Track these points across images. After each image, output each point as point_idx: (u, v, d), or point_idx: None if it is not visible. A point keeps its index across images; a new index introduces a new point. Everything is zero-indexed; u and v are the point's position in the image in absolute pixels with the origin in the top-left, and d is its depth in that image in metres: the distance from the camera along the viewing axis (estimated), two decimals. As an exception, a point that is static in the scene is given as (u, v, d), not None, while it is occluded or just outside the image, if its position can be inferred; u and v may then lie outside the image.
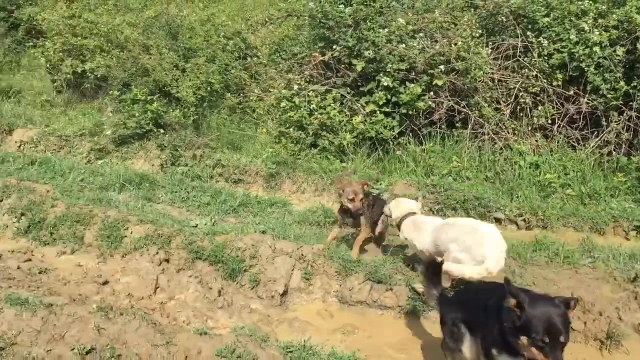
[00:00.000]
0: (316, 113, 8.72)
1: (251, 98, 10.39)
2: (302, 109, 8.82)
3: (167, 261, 5.95)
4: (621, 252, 5.92)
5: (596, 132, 7.94)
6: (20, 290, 5.03)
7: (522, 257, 5.86)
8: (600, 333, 4.71)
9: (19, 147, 10.11)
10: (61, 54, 11.46)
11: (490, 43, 8.60)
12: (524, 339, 3.12)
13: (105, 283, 5.64)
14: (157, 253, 5.98)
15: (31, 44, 12.97)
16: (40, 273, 5.74)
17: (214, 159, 8.88)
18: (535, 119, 8.13)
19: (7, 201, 6.99)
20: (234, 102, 10.23)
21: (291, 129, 8.93)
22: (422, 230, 5.38)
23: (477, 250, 4.71)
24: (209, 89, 10.00)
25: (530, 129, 8.28)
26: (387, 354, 4.73)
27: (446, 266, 4.56)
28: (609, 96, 7.68)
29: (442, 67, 8.26)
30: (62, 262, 6.11)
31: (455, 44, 8.28)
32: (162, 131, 9.40)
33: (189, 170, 8.78)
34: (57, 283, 5.60)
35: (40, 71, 13.62)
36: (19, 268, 5.80)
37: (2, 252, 6.08)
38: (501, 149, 8.10)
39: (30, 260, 6.05)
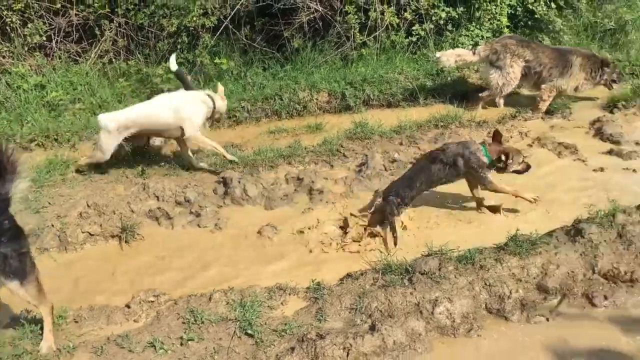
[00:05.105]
0: None
1: None
2: None
3: None
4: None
5: (93, 43, 8.07)
6: None
7: (36, 181, 5.69)
8: (115, 229, 5.05)
9: None
10: None
11: None
12: None
13: None
14: None
15: None
16: None
17: None
18: (28, 37, 7.71)
19: None
20: None
21: None
22: None
23: None
24: None
25: (26, 49, 7.85)
26: None
27: None
28: (96, 5, 7.81)
29: None
30: None
31: None
32: None
33: None
34: None
35: None
36: None
37: None
38: (-2, 74, 7.50)
39: None
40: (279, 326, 3.84)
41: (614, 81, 7.36)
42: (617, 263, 4.20)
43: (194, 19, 7.62)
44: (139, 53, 8.15)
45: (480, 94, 7.41)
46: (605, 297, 4.00)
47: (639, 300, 4.00)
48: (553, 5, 8.39)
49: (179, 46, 7.92)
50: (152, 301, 4.12)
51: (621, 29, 8.75)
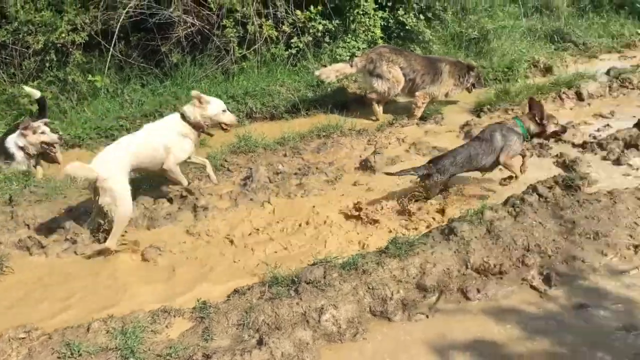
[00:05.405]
0: None
1: None
2: None
3: None
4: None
5: (-51, 63, 7.46)
6: None
7: None
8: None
9: None
10: None
11: None
12: None
13: None
14: None
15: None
16: None
17: None
18: None
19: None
20: None
21: None
22: None
23: None
24: None
25: None
26: None
27: None
28: None
29: None
30: None
31: None
32: None
33: None
34: None
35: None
36: None
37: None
38: None
39: None
40: (164, 350, 3.71)
41: (473, 85, 7.91)
42: (488, 257, 4.47)
43: (62, 35, 7.26)
44: (3, 72, 7.63)
45: (367, 94, 7.68)
46: (478, 290, 4.24)
47: (508, 291, 4.27)
48: (422, 17, 8.86)
49: (47, 64, 7.50)
50: (23, 338, 3.82)
51: (484, 37, 9.40)
